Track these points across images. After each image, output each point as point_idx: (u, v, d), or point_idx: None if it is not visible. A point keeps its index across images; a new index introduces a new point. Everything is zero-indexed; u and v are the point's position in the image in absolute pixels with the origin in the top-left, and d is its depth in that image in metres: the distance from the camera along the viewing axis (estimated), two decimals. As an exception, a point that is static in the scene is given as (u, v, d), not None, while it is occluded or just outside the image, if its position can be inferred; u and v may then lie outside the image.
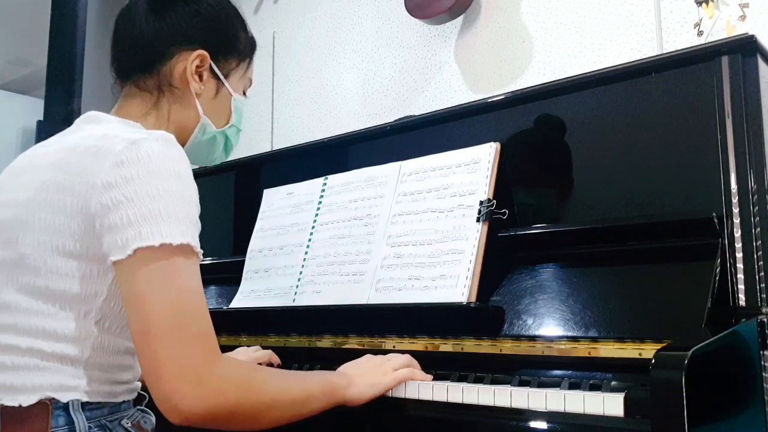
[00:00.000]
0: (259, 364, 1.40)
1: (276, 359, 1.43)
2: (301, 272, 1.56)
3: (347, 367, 1.14)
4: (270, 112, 2.91)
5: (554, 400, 0.97)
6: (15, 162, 1.09)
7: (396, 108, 2.48)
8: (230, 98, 1.17)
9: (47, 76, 3.09)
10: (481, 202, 1.32)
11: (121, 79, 1.13)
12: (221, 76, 1.15)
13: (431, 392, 1.10)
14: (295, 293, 1.54)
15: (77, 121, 1.09)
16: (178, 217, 0.92)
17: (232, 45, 1.16)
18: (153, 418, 1.06)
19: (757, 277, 1.08)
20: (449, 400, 1.08)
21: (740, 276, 1.09)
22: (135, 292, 0.90)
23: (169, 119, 1.11)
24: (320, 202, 1.62)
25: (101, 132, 1.00)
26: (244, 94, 1.21)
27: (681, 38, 1.88)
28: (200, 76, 1.12)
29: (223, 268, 1.78)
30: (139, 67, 1.11)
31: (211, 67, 1.13)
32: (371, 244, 1.46)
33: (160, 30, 1.10)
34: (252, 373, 1.00)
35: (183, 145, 1.07)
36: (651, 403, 0.87)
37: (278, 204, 1.72)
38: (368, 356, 1.18)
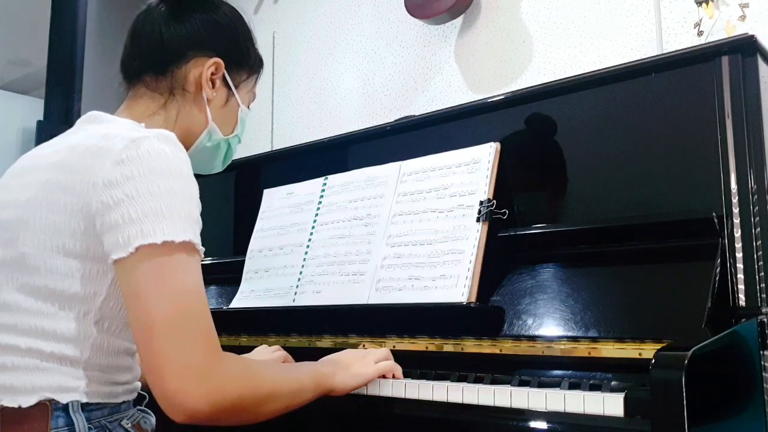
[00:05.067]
0: None
1: (291, 361, 1.43)
2: (301, 272, 1.56)
3: (330, 359, 1.16)
4: (270, 112, 2.91)
5: (554, 400, 0.97)
6: (17, 163, 1.09)
7: (396, 108, 2.48)
8: (238, 108, 1.20)
9: (47, 76, 3.09)
10: (481, 202, 1.32)
11: (130, 79, 1.14)
12: (232, 86, 1.17)
13: (431, 392, 1.10)
14: (295, 293, 1.54)
15: (79, 122, 1.10)
16: (180, 215, 0.92)
17: (244, 58, 1.19)
18: (153, 419, 1.06)
19: (757, 277, 1.08)
20: (449, 400, 1.08)
21: (740, 276, 1.09)
22: (136, 289, 0.90)
23: (177, 122, 1.12)
24: (320, 202, 1.62)
25: (102, 131, 1.00)
26: (249, 107, 1.23)
27: (681, 38, 1.88)
28: (213, 84, 1.14)
29: (223, 268, 1.78)
30: (153, 68, 1.12)
31: (224, 76, 1.15)
32: (371, 244, 1.45)
33: (179, 33, 1.12)
34: (251, 367, 1.01)
35: (187, 149, 1.08)
36: (651, 403, 0.87)
37: (278, 204, 1.72)
38: (349, 350, 1.21)
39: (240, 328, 1.60)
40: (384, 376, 1.17)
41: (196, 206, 0.96)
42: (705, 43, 1.48)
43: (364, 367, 1.15)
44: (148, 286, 0.90)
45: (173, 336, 0.89)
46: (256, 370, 1.00)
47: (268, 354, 1.40)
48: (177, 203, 0.93)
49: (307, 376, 1.07)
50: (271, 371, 1.04)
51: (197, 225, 0.96)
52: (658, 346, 0.96)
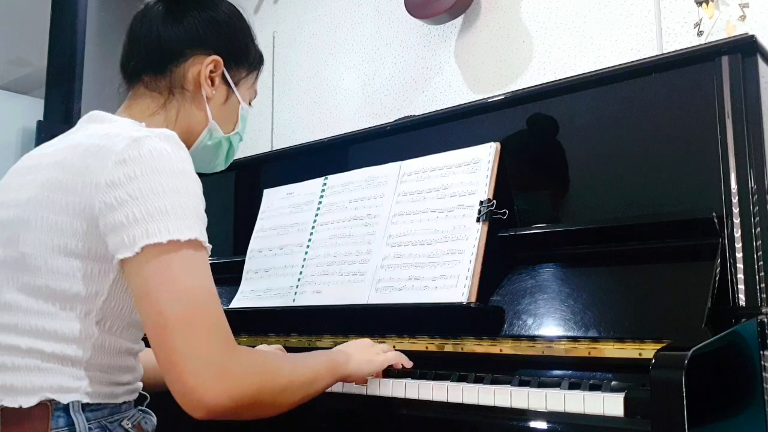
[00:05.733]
0: None
1: None
2: (301, 272, 1.56)
3: (341, 348, 1.17)
4: (270, 112, 2.91)
5: (554, 400, 0.97)
6: (20, 162, 1.10)
7: (396, 108, 2.48)
8: (238, 106, 1.19)
9: (47, 76, 3.08)
10: (481, 202, 1.32)
11: (130, 79, 1.14)
12: (232, 83, 1.17)
13: (431, 392, 1.10)
14: (295, 293, 1.54)
15: (81, 121, 1.10)
16: (185, 213, 0.93)
17: (243, 55, 1.19)
18: (154, 419, 1.06)
19: (757, 277, 1.08)
20: (449, 400, 1.08)
21: (740, 276, 1.09)
22: (146, 289, 0.90)
23: (177, 120, 1.12)
24: (320, 202, 1.62)
25: (104, 131, 1.00)
26: (250, 104, 1.23)
27: (681, 38, 1.88)
28: (212, 81, 1.14)
29: (223, 268, 1.78)
30: (152, 67, 1.12)
31: (223, 74, 1.15)
32: (371, 244, 1.46)
33: (177, 32, 1.12)
34: (267, 359, 1.01)
35: (188, 148, 1.08)
36: (651, 403, 0.87)
37: (278, 204, 1.72)
38: (355, 340, 1.22)
39: (240, 328, 1.60)
40: (391, 367, 1.18)
41: (200, 203, 0.97)
42: (705, 43, 1.48)
43: (374, 354, 1.16)
44: (157, 286, 0.90)
45: (188, 333, 0.89)
46: (272, 361, 1.01)
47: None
48: (181, 201, 0.93)
49: (322, 364, 1.08)
50: (287, 362, 1.04)
51: (202, 222, 0.96)
52: (658, 346, 0.96)
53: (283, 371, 0.99)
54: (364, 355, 1.15)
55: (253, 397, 0.92)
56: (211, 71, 1.13)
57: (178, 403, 0.90)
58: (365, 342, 1.21)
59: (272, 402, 0.97)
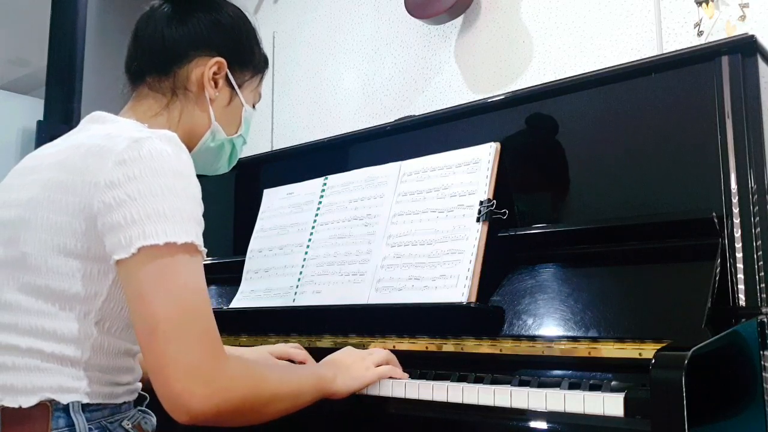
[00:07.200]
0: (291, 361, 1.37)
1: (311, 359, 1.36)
2: (301, 272, 1.56)
3: (331, 360, 1.16)
4: (270, 112, 2.91)
5: (554, 400, 0.97)
6: (21, 162, 1.10)
7: (396, 108, 2.48)
8: (242, 108, 1.19)
9: (47, 76, 3.08)
10: (481, 202, 1.32)
11: (134, 80, 1.14)
12: (235, 86, 1.17)
13: (431, 392, 1.10)
14: (295, 293, 1.54)
15: (83, 121, 1.10)
16: (183, 216, 0.92)
17: (248, 58, 1.19)
18: (154, 419, 1.06)
19: (757, 277, 1.08)
20: (449, 400, 1.08)
21: (740, 276, 1.09)
22: (140, 291, 0.90)
23: (180, 122, 1.12)
24: (320, 202, 1.62)
25: (105, 131, 1.00)
26: (254, 107, 1.23)
27: (681, 38, 1.88)
28: (216, 83, 1.14)
29: (223, 268, 1.78)
30: (156, 68, 1.12)
31: (227, 76, 1.15)
32: (371, 244, 1.46)
33: (181, 34, 1.13)
34: (255, 369, 1.01)
35: (191, 150, 1.08)
36: (651, 403, 0.87)
37: (278, 204, 1.72)
38: (350, 349, 1.21)
39: (240, 328, 1.60)
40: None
41: (198, 207, 0.97)
42: (705, 43, 1.48)
43: (363, 370, 1.15)
44: (150, 288, 0.90)
45: (177, 337, 0.89)
46: (259, 371, 1.01)
47: (284, 348, 1.37)
48: (179, 204, 0.93)
49: (309, 378, 1.07)
50: (273, 373, 1.05)
51: (199, 226, 0.96)
52: (658, 346, 0.96)
53: (269, 382, 0.99)
54: (352, 372, 1.13)
55: (238, 406, 0.93)
56: (214, 73, 1.13)
57: (162, 405, 0.91)
58: (359, 354, 1.18)
59: (256, 411, 0.97)
